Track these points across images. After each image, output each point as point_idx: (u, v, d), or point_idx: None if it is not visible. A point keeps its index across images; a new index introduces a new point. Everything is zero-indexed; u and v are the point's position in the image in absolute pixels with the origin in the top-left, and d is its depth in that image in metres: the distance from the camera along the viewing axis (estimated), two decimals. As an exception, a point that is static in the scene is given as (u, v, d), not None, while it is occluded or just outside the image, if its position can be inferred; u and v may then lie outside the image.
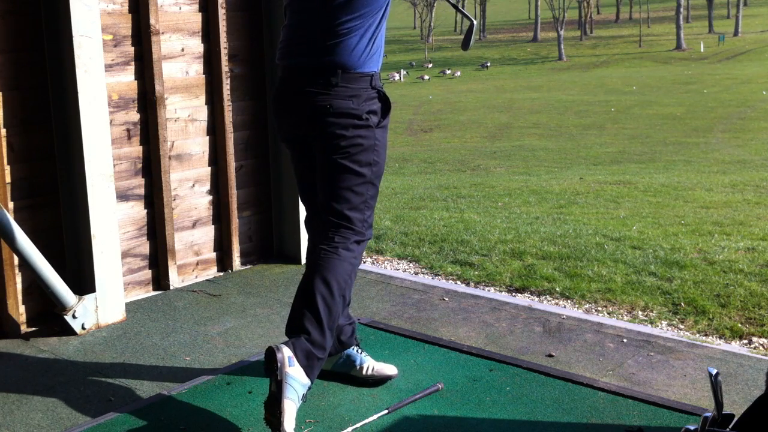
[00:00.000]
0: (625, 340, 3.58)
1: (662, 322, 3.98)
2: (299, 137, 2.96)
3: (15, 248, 3.54)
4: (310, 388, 2.72)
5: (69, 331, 3.71)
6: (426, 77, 45.54)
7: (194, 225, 4.46)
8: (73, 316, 3.70)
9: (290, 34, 2.92)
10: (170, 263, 4.28)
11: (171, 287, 4.31)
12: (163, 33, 4.17)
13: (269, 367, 2.64)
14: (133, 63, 4.07)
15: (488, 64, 53.90)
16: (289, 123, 2.95)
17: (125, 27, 4.03)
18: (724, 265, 4.76)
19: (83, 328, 3.73)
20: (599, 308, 4.18)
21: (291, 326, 2.78)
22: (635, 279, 4.56)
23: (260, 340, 3.63)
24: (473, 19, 3.08)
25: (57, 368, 3.37)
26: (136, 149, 4.14)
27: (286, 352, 2.64)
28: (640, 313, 4.11)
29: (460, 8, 3.20)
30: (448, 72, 48.35)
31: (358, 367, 3.12)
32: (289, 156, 3.11)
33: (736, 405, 2.89)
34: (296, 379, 2.63)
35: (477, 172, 13.32)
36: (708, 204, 7.88)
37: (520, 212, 7.31)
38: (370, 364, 3.13)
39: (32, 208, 3.77)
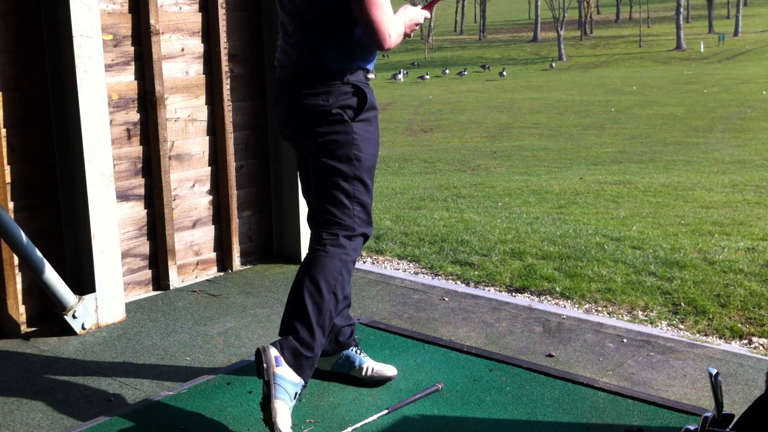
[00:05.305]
0: (625, 340, 3.58)
1: (662, 322, 3.98)
2: (288, 136, 2.99)
3: (15, 248, 3.54)
4: (305, 386, 2.72)
5: (69, 331, 3.71)
6: (427, 76, 45.45)
7: (194, 225, 4.46)
8: (73, 316, 3.70)
9: (280, 33, 2.96)
10: (170, 263, 4.29)
11: (171, 287, 4.31)
12: (163, 33, 4.17)
13: (258, 368, 2.65)
14: (133, 63, 4.07)
15: (503, 72, 46.60)
16: (278, 122, 2.99)
17: (125, 27, 4.03)
18: (724, 265, 4.76)
19: (83, 328, 3.73)
20: (599, 308, 4.18)
21: (282, 327, 2.79)
22: (635, 279, 4.56)
23: (260, 340, 3.62)
24: None
25: (57, 368, 3.37)
26: (136, 149, 4.14)
27: (273, 353, 2.65)
28: (640, 313, 4.11)
29: None
30: (447, 72, 48.17)
31: (357, 368, 3.12)
32: (291, 155, 3.13)
33: (736, 405, 2.89)
34: (285, 378, 2.63)
35: (477, 172, 13.31)
36: (708, 204, 7.87)
37: (520, 212, 7.31)
38: (370, 365, 3.13)
39: (32, 208, 3.77)
